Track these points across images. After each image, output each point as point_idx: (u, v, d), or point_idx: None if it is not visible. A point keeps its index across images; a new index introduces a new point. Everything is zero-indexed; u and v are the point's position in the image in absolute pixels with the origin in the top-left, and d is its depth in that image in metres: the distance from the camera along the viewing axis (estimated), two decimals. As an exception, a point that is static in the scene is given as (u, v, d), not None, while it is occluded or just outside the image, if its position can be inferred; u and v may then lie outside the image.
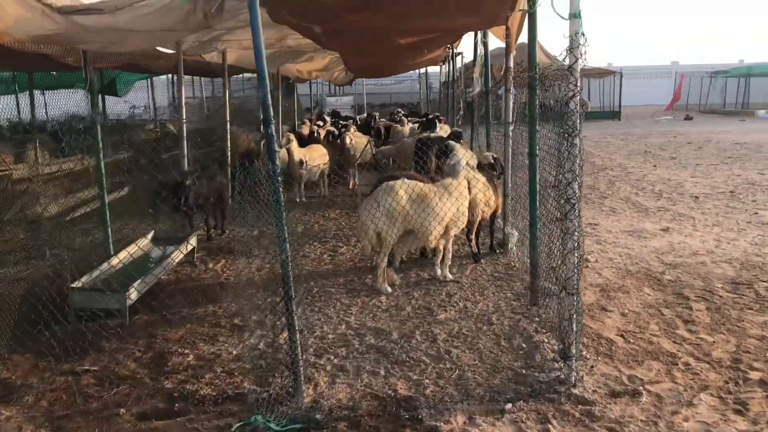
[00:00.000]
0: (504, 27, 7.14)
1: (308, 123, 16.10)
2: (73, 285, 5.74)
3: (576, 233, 4.11)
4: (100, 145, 6.92)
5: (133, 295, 5.79)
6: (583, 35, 3.91)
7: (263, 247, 6.54)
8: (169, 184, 7.76)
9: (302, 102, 28.58)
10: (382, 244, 6.25)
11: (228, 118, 10.68)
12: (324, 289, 6.45)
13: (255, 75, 13.41)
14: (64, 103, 13.75)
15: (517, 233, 7.53)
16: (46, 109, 15.46)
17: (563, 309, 4.35)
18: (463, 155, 8.70)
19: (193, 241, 7.51)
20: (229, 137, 10.91)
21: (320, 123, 17.76)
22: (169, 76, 18.42)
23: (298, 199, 11.39)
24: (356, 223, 7.32)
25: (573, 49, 3.92)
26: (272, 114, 3.99)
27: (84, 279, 5.98)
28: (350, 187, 12.59)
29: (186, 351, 5.04)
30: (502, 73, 7.88)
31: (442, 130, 13.80)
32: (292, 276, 3.91)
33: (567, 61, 4.05)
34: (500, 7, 6.06)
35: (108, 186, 10.49)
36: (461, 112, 13.43)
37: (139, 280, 5.96)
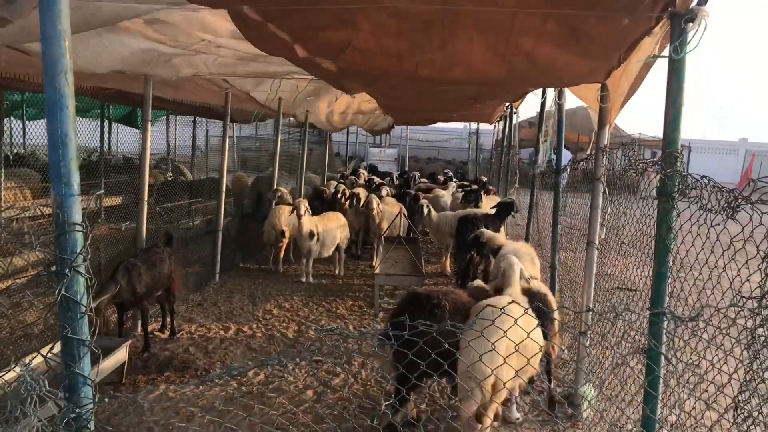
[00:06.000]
0: (598, 86, 4.82)
1: (332, 182, 13.92)
2: None
3: None
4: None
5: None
6: None
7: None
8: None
9: (340, 153, 26.64)
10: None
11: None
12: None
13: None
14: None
15: (593, 392, 4.99)
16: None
17: None
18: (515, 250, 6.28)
19: (121, 355, 5.24)
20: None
21: (353, 178, 15.66)
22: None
23: (303, 280, 9.08)
24: (460, 364, 3.66)
25: None
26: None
27: None
28: (374, 264, 10.19)
29: None
30: (589, 149, 5.53)
31: (491, 200, 11.42)
32: None
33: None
34: (609, 54, 3.74)
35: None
36: (516, 185, 10.99)
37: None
